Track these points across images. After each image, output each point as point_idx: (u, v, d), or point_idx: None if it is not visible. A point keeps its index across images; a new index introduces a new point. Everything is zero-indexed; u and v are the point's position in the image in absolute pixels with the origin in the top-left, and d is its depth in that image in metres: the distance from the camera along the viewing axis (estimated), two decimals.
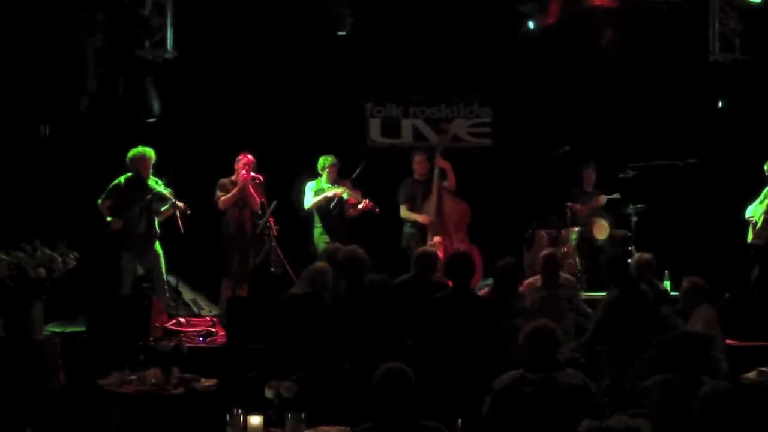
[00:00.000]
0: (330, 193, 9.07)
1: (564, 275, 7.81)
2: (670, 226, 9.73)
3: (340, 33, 9.73)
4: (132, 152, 8.54)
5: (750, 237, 9.15)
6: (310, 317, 6.47)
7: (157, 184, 8.53)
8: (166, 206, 8.55)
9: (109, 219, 8.49)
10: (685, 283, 6.93)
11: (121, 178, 8.57)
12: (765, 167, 9.00)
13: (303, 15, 9.91)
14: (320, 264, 6.90)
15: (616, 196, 9.65)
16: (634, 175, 9.52)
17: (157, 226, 8.62)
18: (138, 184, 8.51)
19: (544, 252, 7.73)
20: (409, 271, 7.26)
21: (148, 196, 8.46)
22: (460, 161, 9.60)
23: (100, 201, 8.52)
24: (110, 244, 8.57)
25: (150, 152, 8.52)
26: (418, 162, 9.42)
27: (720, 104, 9.67)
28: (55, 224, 8.55)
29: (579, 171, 9.92)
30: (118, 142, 9.01)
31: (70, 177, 9.39)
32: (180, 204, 8.50)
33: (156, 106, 9.42)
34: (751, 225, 9.12)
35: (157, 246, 8.62)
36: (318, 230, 9.19)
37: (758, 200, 9.11)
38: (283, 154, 9.77)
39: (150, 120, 9.36)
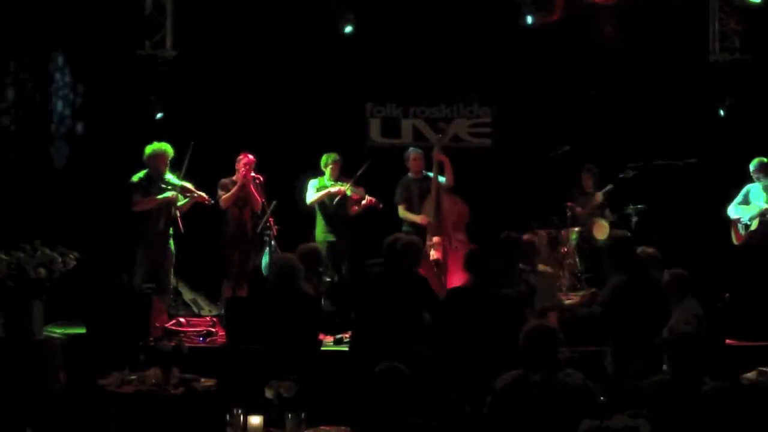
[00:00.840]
0: (333, 189, 9.08)
1: (543, 267, 7.80)
2: (670, 226, 9.72)
3: (347, 30, 9.74)
4: (150, 148, 8.44)
5: (734, 238, 9.13)
6: (292, 310, 6.51)
7: (176, 179, 8.50)
8: (187, 199, 8.53)
9: (162, 196, 8.35)
10: (666, 277, 6.64)
11: (140, 174, 8.49)
12: (750, 167, 9.00)
13: (303, 15, 9.91)
14: (290, 257, 6.89)
15: (609, 187, 9.63)
16: (634, 175, 9.51)
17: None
18: (156, 180, 8.48)
19: (525, 237, 7.64)
20: None
21: (172, 190, 8.39)
22: (460, 161, 9.60)
23: (133, 198, 8.42)
24: (128, 239, 8.53)
25: (168, 148, 8.48)
26: (414, 159, 9.40)
27: (722, 112, 9.67)
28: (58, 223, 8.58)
29: (579, 173, 9.92)
30: (120, 141, 9.03)
31: (72, 176, 9.42)
32: (204, 195, 8.50)
33: (159, 105, 9.45)
34: (739, 226, 9.08)
35: (171, 244, 8.60)
36: (320, 228, 9.19)
37: (738, 200, 9.09)
38: (283, 154, 9.77)
39: (156, 118, 9.39)
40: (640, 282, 6.45)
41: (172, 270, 8.61)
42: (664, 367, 5.34)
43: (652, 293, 6.45)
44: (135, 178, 8.47)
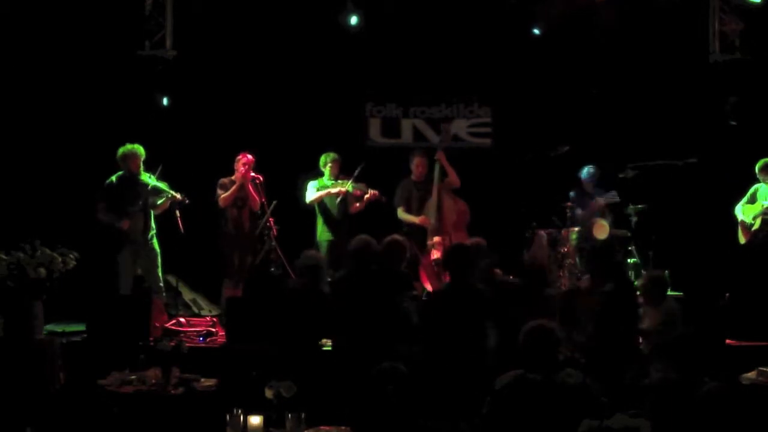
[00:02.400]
0: (334, 189, 9.08)
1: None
2: (670, 226, 9.72)
3: (353, 22, 9.74)
4: (122, 150, 8.54)
5: (742, 238, 9.14)
6: (311, 309, 6.51)
7: (150, 179, 8.53)
8: (162, 199, 8.54)
9: (116, 224, 8.43)
10: (644, 279, 6.78)
11: (113, 177, 8.57)
12: (756, 168, 9.01)
13: (303, 15, 9.91)
14: (314, 253, 6.96)
15: (615, 199, 9.62)
16: (634, 175, 9.51)
17: (153, 223, 8.60)
18: (130, 181, 8.51)
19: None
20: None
21: (145, 189, 8.44)
22: (460, 161, 9.60)
23: (97, 204, 8.49)
24: (108, 242, 8.55)
25: (140, 149, 8.54)
26: (417, 166, 9.38)
27: (733, 122, 9.66)
28: (55, 224, 8.57)
29: (579, 173, 9.91)
30: (120, 140, 9.02)
31: (71, 175, 9.42)
32: (177, 195, 8.50)
33: (163, 100, 9.46)
34: (743, 226, 9.09)
35: (155, 244, 8.61)
36: (321, 227, 9.19)
37: (745, 200, 9.10)
38: (283, 154, 9.77)
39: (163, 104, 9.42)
40: (625, 289, 6.52)
41: (159, 269, 8.60)
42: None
43: (636, 298, 6.57)
44: (108, 181, 8.53)
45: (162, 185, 8.53)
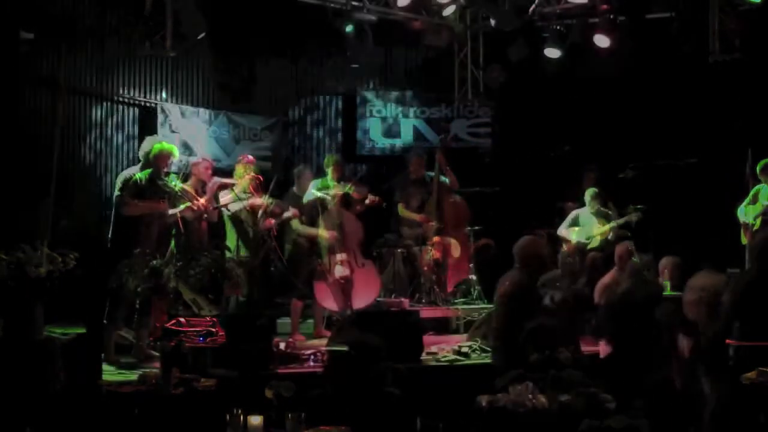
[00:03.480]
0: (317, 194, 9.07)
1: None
2: (670, 226, 9.73)
3: (348, 30, 9.74)
4: (157, 147, 8.16)
5: (744, 239, 9.15)
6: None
7: (176, 183, 8.38)
8: (186, 204, 8.40)
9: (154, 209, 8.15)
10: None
11: (142, 174, 8.24)
12: (757, 168, 9.01)
13: (303, 15, 9.92)
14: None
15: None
16: (634, 175, 9.51)
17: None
18: (157, 181, 8.34)
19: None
20: None
21: (172, 192, 8.30)
22: (461, 161, 9.60)
23: (119, 194, 8.28)
24: (122, 242, 8.48)
25: (174, 150, 8.31)
26: (414, 164, 9.40)
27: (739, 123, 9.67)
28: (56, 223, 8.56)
29: (580, 173, 9.92)
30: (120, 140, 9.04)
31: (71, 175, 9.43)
32: (202, 201, 8.42)
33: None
34: (745, 227, 9.11)
35: (172, 245, 8.51)
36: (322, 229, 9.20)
37: (747, 200, 9.12)
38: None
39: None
40: (643, 287, 6.52)
41: (171, 271, 8.52)
42: None
43: (652, 297, 6.53)
44: (135, 177, 8.31)
45: (189, 187, 8.42)
